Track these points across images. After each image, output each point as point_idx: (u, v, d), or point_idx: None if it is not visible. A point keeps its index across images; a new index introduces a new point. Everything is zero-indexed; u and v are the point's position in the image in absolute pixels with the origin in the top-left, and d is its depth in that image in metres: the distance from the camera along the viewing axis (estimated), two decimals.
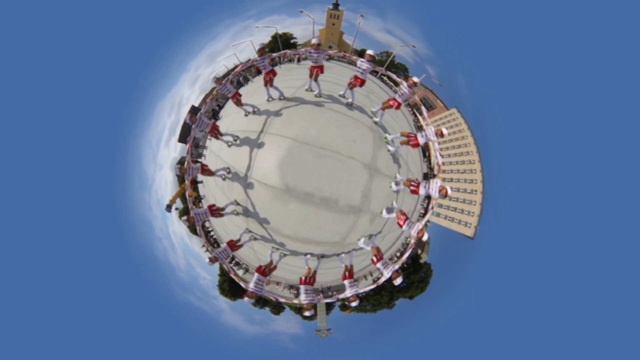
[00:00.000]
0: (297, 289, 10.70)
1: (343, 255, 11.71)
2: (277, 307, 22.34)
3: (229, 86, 10.74)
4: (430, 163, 15.73)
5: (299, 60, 16.51)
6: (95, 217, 25.04)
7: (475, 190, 22.00)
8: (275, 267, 10.57)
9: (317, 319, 21.26)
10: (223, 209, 11.05)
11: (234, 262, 17.49)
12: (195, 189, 17.23)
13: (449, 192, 8.92)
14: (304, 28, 19.28)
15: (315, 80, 11.30)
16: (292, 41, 18.63)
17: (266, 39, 18.61)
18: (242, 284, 9.95)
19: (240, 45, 18.44)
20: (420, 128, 14.99)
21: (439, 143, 9.85)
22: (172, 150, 22.94)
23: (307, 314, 9.66)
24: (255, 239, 11.83)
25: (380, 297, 21.53)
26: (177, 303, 23.41)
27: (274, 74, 10.92)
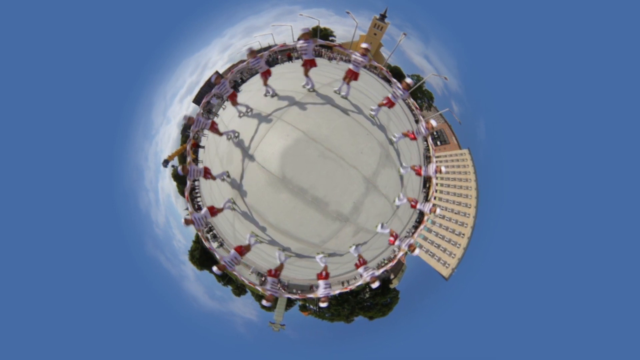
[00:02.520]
0: (265, 277, 10.84)
1: (322, 256, 11.66)
2: (239, 289, 22.28)
3: (262, 62, 10.66)
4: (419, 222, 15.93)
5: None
6: (91, 152, 24.95)
7: (463, 234, 22.01)
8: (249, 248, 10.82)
9: (274, 311, 21.29)
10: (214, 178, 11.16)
11: (210, 233, 17.49)
12: (195, 152, 17.21)
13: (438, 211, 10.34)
14: (346, 30, 19.28)
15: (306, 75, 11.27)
16: (330, 38, 18.58)
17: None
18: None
19: (279, 27, 18.39)
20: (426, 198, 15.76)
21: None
22: (184, 107, 22.90)
23: (265, 304, 10.08)
24: (235, 209, 11.86)
25: (342, 308, 21.53)
26: (146, 257, 23.36)
27: (314, 64, 10.82)
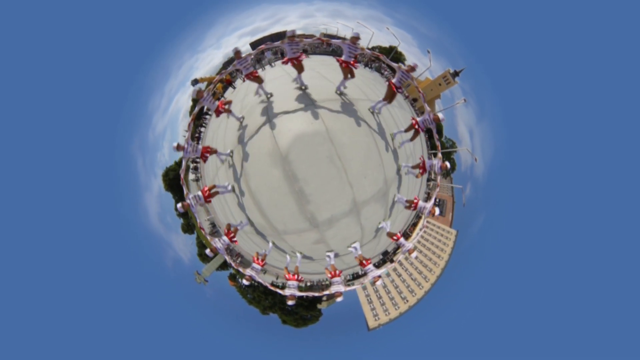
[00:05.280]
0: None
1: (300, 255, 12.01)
2: (189, 227, 22.23)
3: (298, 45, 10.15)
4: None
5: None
6: (138, 38, 24.58)
7: (407, 300, 22.11)
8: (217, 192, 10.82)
9: (206, 265, 21.29)
10: (230, 111, 10.89)
11: (194, 165, 17.49)
12: (225, 88, 17.19)
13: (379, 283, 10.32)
14: (418, 65, 19.32)
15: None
16: (353, 34, 18.69)
17: (384, 43, 18.60)
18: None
19: (361, 26, 18.37)
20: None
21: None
22: (240, 44, 22.69)
23: (290, 303, 9.92)
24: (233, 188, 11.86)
25: (264, 298, 21.55)
26: (126, 152, 23.04)
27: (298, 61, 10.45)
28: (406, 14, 22.36)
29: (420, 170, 10.92)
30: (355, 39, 9.61)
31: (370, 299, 22.47)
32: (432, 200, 10.48)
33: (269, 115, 10.96)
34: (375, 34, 18.40)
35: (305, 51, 10.54)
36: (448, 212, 21.59)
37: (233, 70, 10.73)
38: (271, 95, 11.48)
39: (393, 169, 11.78)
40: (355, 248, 11.61)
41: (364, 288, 22.43)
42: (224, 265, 21.30)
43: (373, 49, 15.35)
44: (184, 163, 10.01)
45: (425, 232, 22.72)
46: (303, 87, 11.39)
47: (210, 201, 10.50)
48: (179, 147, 9.67)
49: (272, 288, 10.02)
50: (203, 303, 22.91)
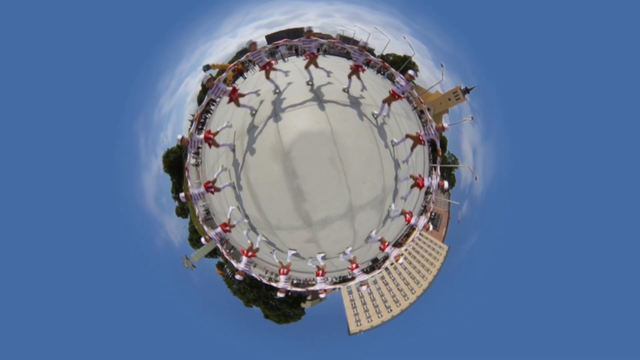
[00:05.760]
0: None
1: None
2: (183, 211, 22.20)
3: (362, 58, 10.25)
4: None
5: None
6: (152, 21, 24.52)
7: (391, 310, 22.11)
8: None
9: (195, 251, 21.28)
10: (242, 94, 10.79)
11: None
12: (236, 77, 17.17)
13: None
14: (429, 77, 19.26)
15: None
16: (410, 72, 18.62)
17: (399, 52, 18.57)
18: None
19: (378, 32, 18.35)
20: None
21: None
22: (255, 35, 22.68)
23: (280, 295, 10.69)
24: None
25: (249, 291, 21.53)
26: (130, 128, 22.98)
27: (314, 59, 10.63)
28: (424, 25, 22.31)
29: (419, 185, 10.75)
30: (411, 77, 9.83)
31: (355, 303, 22.47)
32: (402, 249, 10.92)
33: (276, 109, 10.96)
34: (391, 42, 18.40)
35: (366, 63, 10.58)
36: (442, 227, 21.59)
37: (246, 60, 10.74)
38: (278, 90, 11.47)
39: (392, 178, 11.79)
40: (312, 260, 12.03)
41: (350, 292, 22.43)
42: (213, 254, 21.32)
43: (387, 56, 15.25)
44: (206, 99, 10.10)
45: (408, 256, 22.76)
46: (346, 89, 11.35)
47: (209, 143, 10.45)
48: (209, 81, 9.54)
49: (226, 256, 10.52)
50: (188, 288, 22.88)
